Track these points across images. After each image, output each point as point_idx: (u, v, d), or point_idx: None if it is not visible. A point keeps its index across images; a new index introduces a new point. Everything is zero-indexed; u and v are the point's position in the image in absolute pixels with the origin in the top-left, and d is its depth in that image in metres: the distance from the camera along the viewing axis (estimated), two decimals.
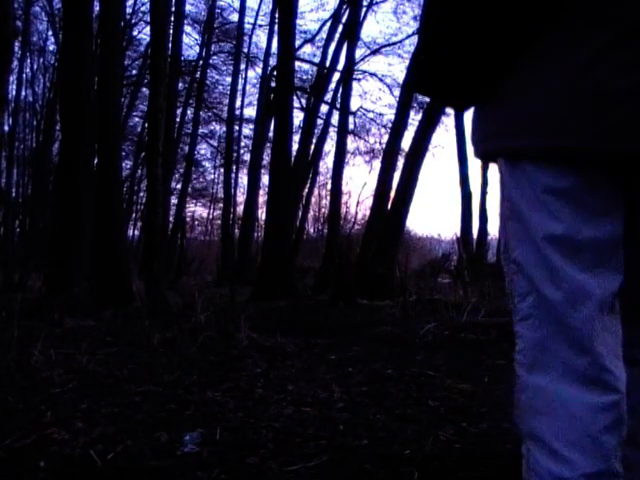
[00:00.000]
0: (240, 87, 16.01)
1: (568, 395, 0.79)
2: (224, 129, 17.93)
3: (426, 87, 0.95)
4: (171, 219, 16.18)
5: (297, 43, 13.88)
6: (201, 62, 16.46)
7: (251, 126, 17.57)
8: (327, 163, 19.14)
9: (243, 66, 16.44)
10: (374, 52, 16.36)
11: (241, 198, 17.85)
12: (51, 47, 18.32)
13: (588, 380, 0.78)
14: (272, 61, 14.06)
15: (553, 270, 0.79)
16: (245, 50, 16.22)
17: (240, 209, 16.05)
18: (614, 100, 0.74)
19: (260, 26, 16.62)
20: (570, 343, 0.79)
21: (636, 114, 0.73)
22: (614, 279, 0.80)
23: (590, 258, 0.78)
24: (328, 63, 13.53)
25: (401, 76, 13.28)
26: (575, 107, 0.75)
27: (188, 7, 15.38)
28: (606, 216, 0.79)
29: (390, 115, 16.09)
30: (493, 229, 15.76)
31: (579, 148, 0.76)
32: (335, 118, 13.89)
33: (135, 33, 17.50)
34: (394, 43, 16.12)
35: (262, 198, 15.82)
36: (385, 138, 13.54)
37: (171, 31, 12.02)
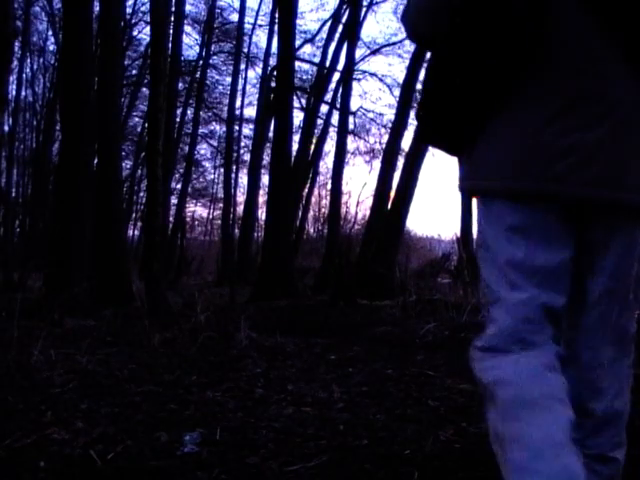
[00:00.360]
0: (240, 87, 16.01)
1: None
2: (224, 129, 17.94)
3: (424, 138, 1.38)
4: (171, 219, 16.18)
5: (297, 43, 13.89)
6: (201, 62, 16.47)
7: (251, 126, 17.59)
8: (327, 163, 19.13)
9: (243, 66, 16.45)
10: (374, 52, 16.37)
11: (241, 198, 17.85)
12: (51, 47, 18.33)
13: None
14: (272, 61, 14.06)
15: (513, 285, 1.00)
16: (245, 50, 16.22)
17: (240, 209, 16.05)
18: (559, 155, 0.95)
19: (260, 26, 16.62)
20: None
21: (576, 165, 0.95)
22: (560, 298, 1.00)
23: (542, 279, 0.98)
24: (328, 63, 13.53)
25: (401, 76, 13.26)
26: (530, 159, 0.97)
27: (188, 7, 15.39)
28: (555, 248, 0.99)
29: (390, 115, 16.08)
30: None
31: (532, 189, 0.97)
32: (335, 118, 13.90)
33: (135, 33, 17.51)
34: (394, 43, 16.12)
35: (262, 198, 15.82)
36: (385, 138, 13.55)
37: (171, 31, 12.02)
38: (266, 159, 16.04)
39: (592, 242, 1.03)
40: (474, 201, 1.12)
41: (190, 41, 23.58)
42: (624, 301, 1.06)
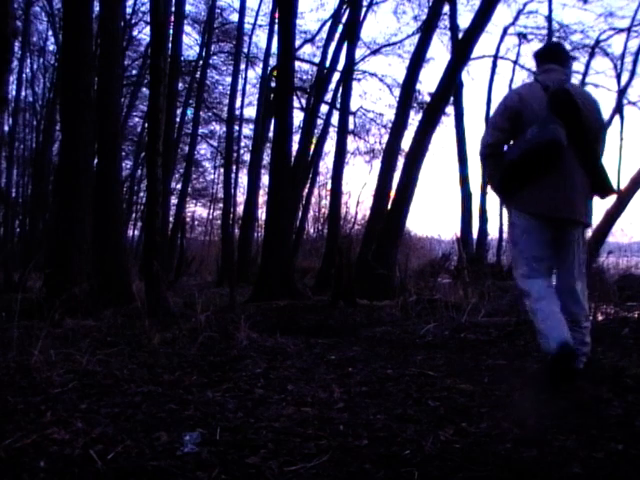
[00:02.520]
0: (240, 87, 16.01)
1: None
2: (224, 129, 17.95)
3: (499, 191, 2.73)
4: (171, 219, 16.17)
5: (297, 43, 13.90)
6: (201, 62, 16.46)
7: (251, 126, 17.60)
8: (327, 163, 19.17)
9: (243, 66, 16.45)
10: (374, 52, 16.38)
11: (241, 198, 17.87)
12: (51, 47, 18.34)
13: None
14: (272, 61, 14.06)
15: (536, 250, 2.56)
16: (245, 50, 16.22)
17: (240, 209, 16.05)
18: (557, 202, 2.47)
19: (260, 26, 16.64)
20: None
21: (562, 205, 2.47)
22: (551, 258, 2.57)
23: (545, 249, 2.54)
24: (328, 63, 13.51)
25: (401, 76, 13.25)
26: (544, 202, 2.49)
27: (188, 7, 15.39)
28: (548, 235, 2.54)
29: (390, 115, 16.12)
30: (493, 229, 15.80)
31: (545, 214, 2.50)
32: (335, 118, 13.89)
33: (135, 33, 17.53)
34: (394, 43, 16.14)
35: (262, 198, 15.83)
36: (385, 138, 13.55)
37: (171, 31, 12.01)
38: (266, 159, 16.07)
39: (562, 234, 2.55)
40: (511, 212, 2.67)
41: (190, 41, 23.59)
42: (576, 258, 2.57)
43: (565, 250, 2.55)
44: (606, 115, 16.01)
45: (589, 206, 2.60)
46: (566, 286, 2.52)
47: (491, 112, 15.57)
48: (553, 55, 2.72)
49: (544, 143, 2.40)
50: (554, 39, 15.83)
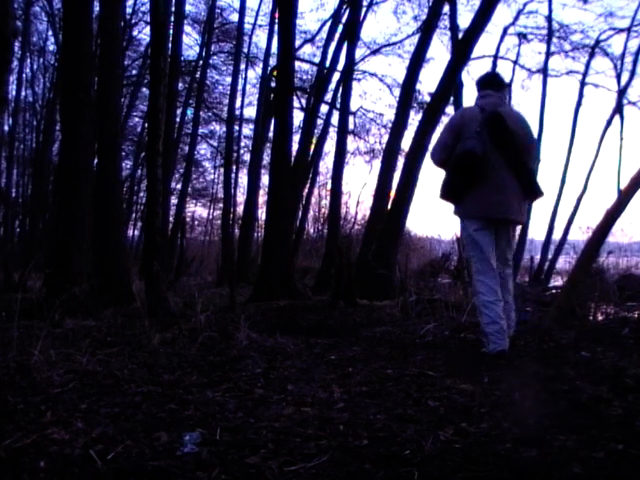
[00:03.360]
0: (240, 87, 16.00)
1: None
2: (224, 129, 17.95)
3: (446, 197, 3.25)
4: (171, 219, 16.17)
5: (297, 43, 13.89)
6: (201, 62, 16.45)
7: (251, 126, 17.59)
8: (327, 163, 19.17)
9: (243, 66, 16.44)
10: (374, 52, 16.37)
11: (241, 198, 17.87)
12: (51, 47, 18.35)
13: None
14: (272, 61, 14.05)
15: (485, 251, 3.14)
16: (245, 50, 16.21)
17: (240, 209, 16.05)
18: (492, 204, 3.09)
19: (260, 26, 16.62)
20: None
21: (497, 207, 3.10)
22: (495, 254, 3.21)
23: (493, 258, 3.15)
24: (328, 63, 13.49)
25: (401, 76, 13.25)
26: (484, 205, 3.10)
27: (188, 7, 15.38)
28: (491, 234, 3.18)
29: (390, 115, 16.11)
30: None
31: (484, 215, 3.13)
32: (335, 118, 13.88)
33: (135, 33, 17.53)
34: (394, 43, 16.13)
35: (262, 198, 15.83)
36: (385, 138, 13.55)
37: (171, 31, 12.00)
38: (266, 159, 16.07)
39: (500, 231, 3.22)
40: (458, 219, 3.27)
41: (190, 41, 23.66)
42: (510, 250, 3.36)
43: (502, 243, 3.24)
44: (606, 115, 16.06)
45: (523, 207, 3.21)
46: (501, 273, 3.20)
47: None
48: (490, 83, 3.31)
49: (462, 154, 3.02)
50: (554, 39, 15.87)
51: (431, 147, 3.36)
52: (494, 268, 3.08)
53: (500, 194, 3.06)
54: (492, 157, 3.04)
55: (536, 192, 3.20)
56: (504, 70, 25.78)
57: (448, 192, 3.18)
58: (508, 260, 3.31)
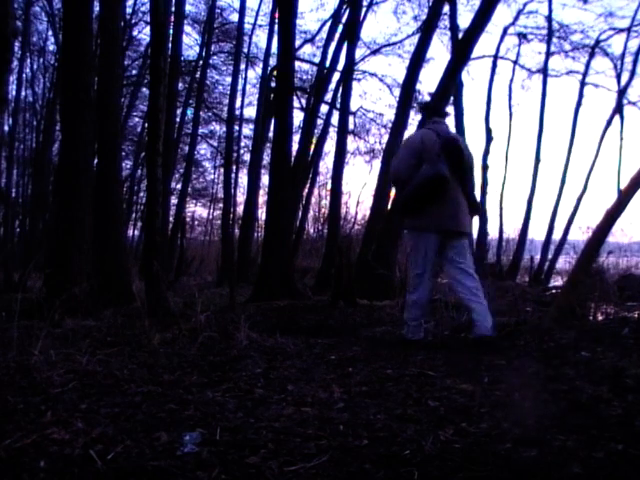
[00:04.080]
0: (240, 87, 15.99)
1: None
2: (224, 129, 17.95)
3: (402, 212, 3.81)
4: (171, 219, 16.17)
5: (297, 43, 13.89)
6: (201, 62, 16.46)
7: (251, 126, 17.59)
8: (327, 163, 19.17)
9: (243, 66, 16.44)
10: (374, 52, 16.38)
11: (241, 198, 17.86)
12: (51, 47, 18.36)
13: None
14: (272, 61, 14.05)
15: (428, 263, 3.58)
16: (245, 50, 16.21)
17: (240, 209, 16.05)
18: (445, 217, 3.51)
19: (260, 26, 16.63)
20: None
21: (448, 220, 3.52)
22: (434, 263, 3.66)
23: (432, 265, 3.61)
24: (328, 63, 13.49)
25: (401, 76, 13.26)
26: (439, 219, 3.50)
27: (188, 7, 15.38)
28: (437, 245, 3.57)
29: (390, 115, 16.11)
30: (493, 229, 15.80)
31: (437, 228, 3.53)
32: (335, 118, 13.88)
33: (135, 33, 17.54)
34: (394, 43, 16.15)
35: (262, 198, 15.83)
36: (385, 138, 13.55)
37: (171, 31, 12.00)
38: (266, 159, 16.06)
39: (452, 242, 3.57)
40: (406, 232, 4.00)
41: (190, 41, 23.67)
42: (468, 255, 3.65)
43: (459, 251, 3.60)
44: (606, 115, 16.07)
45: (469, 221, 3.69)
46: (468, 273, 3.56)
47: (486, 113, 15.63)
48: (438, 111, 3.87)
49: (433, 176, 3.42)
50: (554, 39, 15.88)
51: (392, 166, 3.70)
52: (431, 277, 3.62)
53: (455, 210, 3.53)
54: (451, 177, 3.49)
55: (477, 209, 3.77)
56: (504, 70, 25.81)
57: (411, 208, 3.56)
58: (468, 272, 3.55)
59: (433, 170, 3.40)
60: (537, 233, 16.77)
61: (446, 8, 11.51)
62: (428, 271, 3.56)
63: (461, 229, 3.57)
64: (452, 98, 12.57)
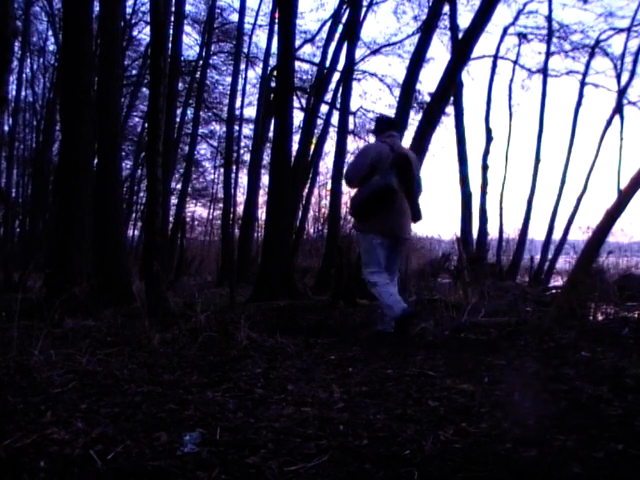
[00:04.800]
0: (240, 87, 15.99)
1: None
2: (224, 129, 17.95)
3: (355, 217, 4.21)
4: (171, 219, 16.16)
5: (297, 43, 13.89)
6: (201, 62, 16.45)
7: (251, 126, 17.59)
8: (327, 163, 19.16)
9: (243, 66, 16.44)
10: (374, 52, 16.38)
11: (241, 198, 17.85)
12: (51, 47, 18.35)
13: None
14: (272, 61, 14.05)
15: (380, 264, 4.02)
16: (245, 50, 16.21)
17: (240, 209, 16.04)
18: (391, 225, 3.96)
19: (260, 26, 16.64)
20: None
21: (394, 226, 3.97)
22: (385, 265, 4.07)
23: (384, 265, 4.03)
24: (328, 63, 13.49)
25: (401, 76, 13.26)
26: (387, 225, 3.95)
27: (188, 7, 15.38)
28: (386, 249, 4.03)
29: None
30: (493, 229, 15.80)
31: (384, 232, 3.97)
32: (335, 118, 13.88)
33: (135, 33, 17.54)
34: (394, 43, 16.14)
35: (262, 198, 15.82)
36: None
37: (171, 31, 12.00)
38: (266, 159, 16.06)
39: (395, 245, 4.09)
40: (363, 236, 4.08)
41: (190, 41, 23.65)
42: (399, 259, 4.33)
43: (396, 255, 4.14)
44: (606, 115, 16.07)
45: (410, 227, 4.15)
46: (393, 276, 4.10)
47: (486, 113, 15.65)
48: (393, 126, 4.21)
49: (384, 187, 3.84)
50: (554, 39, 15.88)
51: (347, 169, 4.15)
52: (384, 268, 3.98)
53: (401, 218, 3.97)
54: (398, 189, 3.92)
55: (419, 217, 4.17)
56: (504, 70, 25.83)
57: (361, 212, 4.00)
58: (395, 271, 4.24)
59: (384, 181, 3.84)
60: (537, 233, 16.77)
61: (446, 8, 11.53)
62: (380, 268, 3.96)
63: (405, 235, 4.09)
64: (452, 98, 12.58)
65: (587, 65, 16.29)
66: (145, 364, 2.90)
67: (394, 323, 3.83)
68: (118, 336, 3.78)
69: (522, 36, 16.19)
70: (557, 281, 12.86)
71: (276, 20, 10.97)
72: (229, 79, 16.78)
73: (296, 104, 14.23)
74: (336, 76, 13.80)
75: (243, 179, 19.83)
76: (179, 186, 18.59)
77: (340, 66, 13.21)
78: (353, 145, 17.81)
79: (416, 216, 4.12)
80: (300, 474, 1.52)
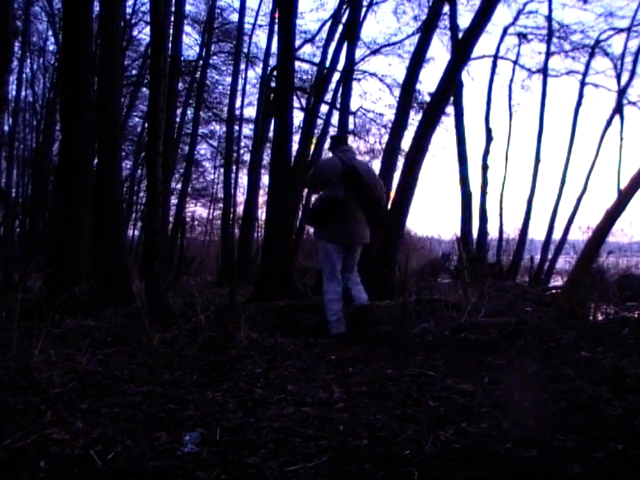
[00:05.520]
0: (240, 87, 15.98)
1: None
2: (224, 129, 17.93)
3: (312, 222, 4.53)
4: (171, 219, 16.16)
5: (297, 43, 13.89)
6: (201, 62, 16.44)
7: (251, 126, 17.58)
8: None
9: (243, 66, 16.43)
10: (374, 52, 16.35)
11: (241, 198, 17.83)
12: (51, 47, 18.33)
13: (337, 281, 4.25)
14: (272, 61, 14.04)
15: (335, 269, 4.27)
16: (245, 50, 16.20)
17: (240, 209, 16.03)
18: (345, 232, 4.26)
19: (260, 26, 16.61)
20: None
21: (349, 233, 4.27)
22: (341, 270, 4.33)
23: (339, 270, 4.30)
24: (328, 63, 13.48)
25: (401, 76, 13.26)
26: (340, 233, 4.25)
27: (188, 7, 15.36)
28: (341, 255, 4.31)
29: (390, 115, 16.07)
30: (493, 229, 15.80)
31: (340, 240, 4.26)
32: (335, 118, 13.87)
33: (135, 33, 17.51)
34: (394, 43, 16.12)
35: (262, 198, 15.80)
36: (385, 138, 13.52)
37: (171, 31, 12.00)
38: (266, 159, 16.05)
39: (350, 251, 4.35)
40: (319, 242, 4.39)
41: (190, 41, 23.60)
42: (356, 261, 4.44)
43: (352, 259, 4.39)
44: (606, 115, 16.06)
45: (367, 233, 4.39)
46: (351, 276, 4.36)
47: (486, 113, 15.66)
48: (344, 142, 4.60)
49: (331, 198, 4.20)
50: (554, 39, 15.88)
51: (308, 176, 4.52)
52: (339, 278, 4.25)
53: (353, 225, 4.25)
54: (349, 198, 4.19)
55: (379, 222, 4.59)
56: (504, 70, 25.82)
57: (316, 220, 4.38)
58: (353, 269, 4.45)
59: (331, 193, 4.21)
60: (537, 233, 16.76)
61: (446, 8, 11.52)
62: (336, 272, 4.24)
63: (358, 240, 4.35)
64: (452, 98, 12.58)
65: (587, 65, 16.28)
66: (145, 364, 2.90)
67: (331, 336, 4.02)
68: (118, 336, 3.78)
69: (522, 36, 16.18)
70: (557, 281, 12.86)
71: (276, 20, 10.97)
72: (229, 79, 16.79)
73: (296, 104, 14.21)
74: (336, 76, 13.79)
75: (243, 179, 19.83)
76: (179, 186, 18.58)
77: (340, 66, 13.19)
78: (353, 145, 17.81)
79: (374, 223, 4.42)
80: (300, 474, 1.52)
